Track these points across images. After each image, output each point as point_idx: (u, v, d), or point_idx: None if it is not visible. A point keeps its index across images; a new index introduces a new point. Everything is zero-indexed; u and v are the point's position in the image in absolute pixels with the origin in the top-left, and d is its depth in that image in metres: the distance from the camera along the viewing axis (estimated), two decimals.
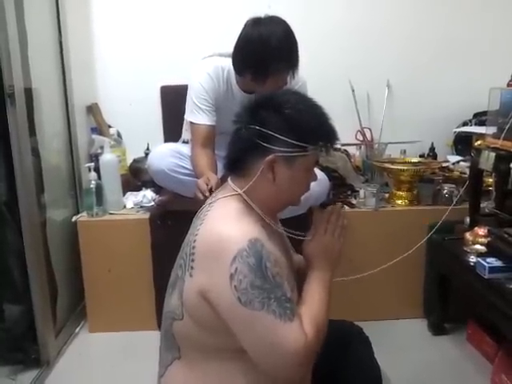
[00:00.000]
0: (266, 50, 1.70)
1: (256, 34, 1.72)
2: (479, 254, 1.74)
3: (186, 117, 1.95)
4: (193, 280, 1.01)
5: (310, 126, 1.05)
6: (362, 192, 2.23)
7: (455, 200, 2.10)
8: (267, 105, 1.08)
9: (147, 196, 2.21)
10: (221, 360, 1.05)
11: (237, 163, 1.11)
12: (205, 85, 1.88)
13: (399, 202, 2.24)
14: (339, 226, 1.15)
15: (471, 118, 2.65)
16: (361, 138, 2.64)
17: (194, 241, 1.03)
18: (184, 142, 2.13)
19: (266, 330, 0.95)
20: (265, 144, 1.05)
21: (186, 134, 2.13)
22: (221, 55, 1.93)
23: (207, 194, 1.49)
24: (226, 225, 1.01)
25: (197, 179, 1.71)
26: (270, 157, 1.04)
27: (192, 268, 1.01)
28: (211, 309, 0.99)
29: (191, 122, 1.91)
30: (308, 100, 1.11)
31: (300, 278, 1.15)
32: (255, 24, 1.74)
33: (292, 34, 1.74)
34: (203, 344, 1.05)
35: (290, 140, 1.04)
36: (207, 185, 1.55)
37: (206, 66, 1.91)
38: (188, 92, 1.93)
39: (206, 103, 1.88)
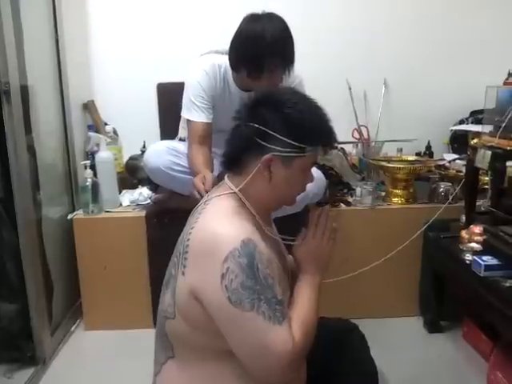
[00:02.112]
0: (260, 45, 1.69)
1: (251, 30, 1.72)
2: (475, 252, 1.74)
3: (182, 114, 1.95)
4: (185, 279, 1.01)
5: (309, 127, 1.05)
6: (358, 190, 2.23)
7: (451, 198, 2.11)
8: (267, 103, 1.07)
9: (143, 194, 2.21)
10: (213, 360, 1.05)
11: (234, 161, 1.11)
12: (202, 82, 1.87)
13: (395, 200, 2.24)
14: (328, 228, 1.14)
15: (468, 116, 2.65)
16: (357, 136, 2.63)
17: (188, 239, 1.02)
18: (181, 139, 2.13)
19: (253, 332, 0.95)
20: (263, 142, 1.04)
21: (182, 131, 2.13)
22: (217, 52, 1.93)
23: (203, 193, 1.49)
24: (220, 224, 1.01)
25: (193, 177, 1.71)
26: (268, 156, 1.04)
27: (185, 266, 1.01)
28: (202, 308, 0.99)
29: (188, 120, 1.91)
30: (308, 100, 1.10)
31: (293, 279, 1.15)
32: (251, 20, 1.74)
33: (288, 31, 1.74)
34: (195, 343, 1.05)
35: (288, 140, 1.04)
36: (203, 184, 1.54)
37: (202, 64, 1.90)
38: (185, 89, 1.93)
39: (203, 100, 1.88)
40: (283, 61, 1.73)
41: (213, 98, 1.89)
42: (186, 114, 1.90)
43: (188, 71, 1.92)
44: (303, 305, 1.05)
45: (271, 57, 1.70)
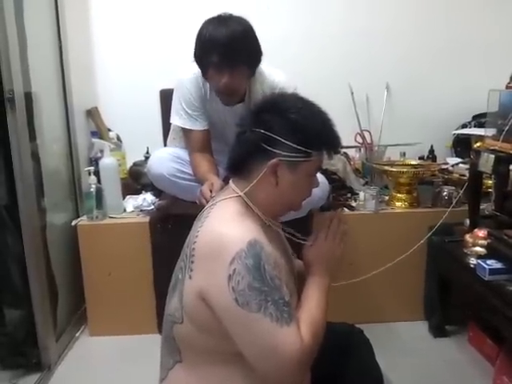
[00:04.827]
0: (199, 40, 1.71)
1: (200, 31, 1.72)
2: (479, 256, 1.74)
3: (174, 122, 1.92)
4: (192, 282, 1.01)
5: (314, 132, 1.06)
6: (361, 194, 2.24)
7: (455, 202, 2.11)
8: (272, 109, 1.08)
9: (147, 199, 2.21)
10: (221, 363, 1.05)
11: (239, 165, 1.12)
12: (191, 88, 1.86)
13: (399, 204, 2.24)
14: (339, 231, 1.15)
15: (470, 120, 2.66)
16: (360, 141, 2.64)
17: (194, 242, 1.03)
18: None
19: (261, 333, 0.95)
20: (269, 148, 1.05)
21: (173, 142, 2.09)
22: None
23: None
24: (226, 226, 1.01)
25: (197, 184, 1.71)
26: (274, 161, 1.05)
27: (191, 270, 1.02)
28: (210, 311, 0.99)
29: (184, 129, 1.90)
30: (313, 105, 1.11)
31: (300, 282, 1.15)
32: (206, 22, 1.73)
33: (239, 33, 1.67)
34: (203, 347, 1.05)
35: (294, 145, 1.04)
36: (211, 191, 1.53)
37: (192, 68, 1.89)
38: (174, 95, 1.91)
39: (196, 107, 1.86)
40: (222, 59, 1.67)
41: (203, 103, 1.87)
42: (180, 122, 1.89)
43: (177, 78, 1.90)
44: (312, 306, 1.05)
45: (207, 52, 1.68)
